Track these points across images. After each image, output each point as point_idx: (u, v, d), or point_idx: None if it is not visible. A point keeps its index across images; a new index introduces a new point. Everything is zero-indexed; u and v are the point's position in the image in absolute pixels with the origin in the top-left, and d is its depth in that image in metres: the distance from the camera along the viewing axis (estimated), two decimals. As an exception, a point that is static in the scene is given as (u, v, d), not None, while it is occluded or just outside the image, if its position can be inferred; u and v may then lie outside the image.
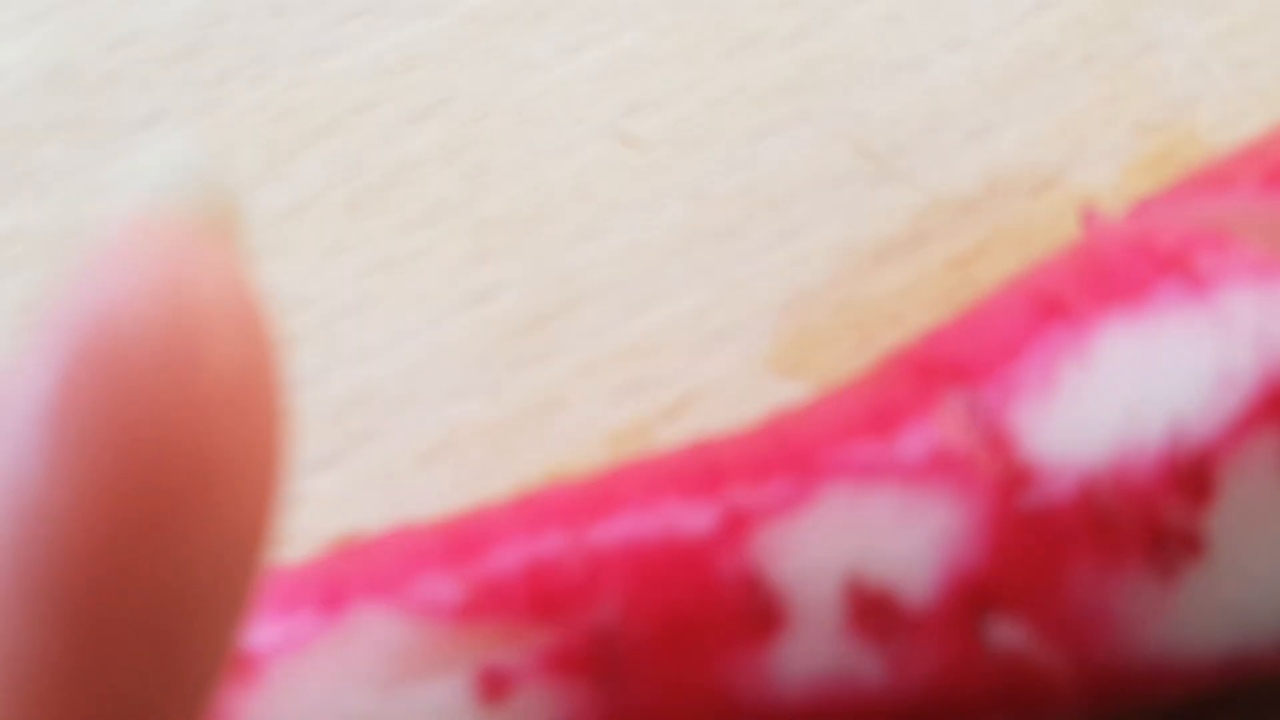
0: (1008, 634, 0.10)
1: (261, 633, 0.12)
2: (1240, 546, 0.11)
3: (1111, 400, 0.11)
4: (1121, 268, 0.11)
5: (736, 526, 0.11)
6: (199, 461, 0.06)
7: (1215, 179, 0.13)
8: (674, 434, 0.14)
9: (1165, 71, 0.16)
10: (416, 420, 0.15)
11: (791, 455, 0.11)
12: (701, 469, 0.12)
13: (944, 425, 0.11)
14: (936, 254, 0.15)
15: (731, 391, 0.15)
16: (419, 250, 0.15)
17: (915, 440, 0.11)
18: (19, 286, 0.15)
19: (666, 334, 0.15)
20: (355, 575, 0.12)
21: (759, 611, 0.11)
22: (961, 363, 0.12)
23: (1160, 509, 0.10)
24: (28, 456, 0.06)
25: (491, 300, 0.15)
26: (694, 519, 0.11)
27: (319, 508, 0.14)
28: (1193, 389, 0.11)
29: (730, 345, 0.15)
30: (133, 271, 0.06)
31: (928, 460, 0.11)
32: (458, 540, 0.12)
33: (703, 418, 0.14)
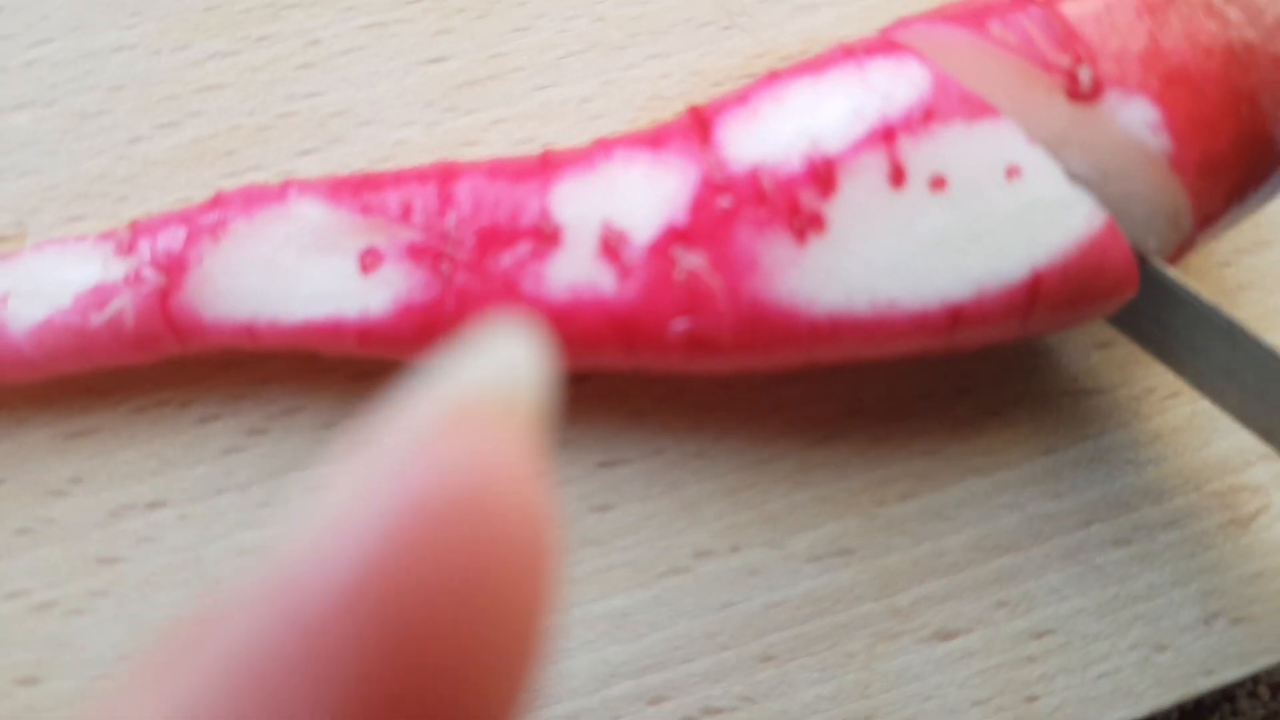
0: (692, 262, 0.17)
1: (230, 203, 0.18)
2: (849, 230, 0.17)
3: (785, 125, 0.17)
4: (825, 57, 0.18)
5: (545, 179, 0.18)
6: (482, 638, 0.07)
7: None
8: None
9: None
10: (374, 135, 0.21)
11: (597, 145, 0.18)
12: (540, 159, 0.18)
13: (685, 133, 0.17)
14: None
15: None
16: (402, 19, 0.22)
17: (667, 141, 0.17)
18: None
19: (559, 109, 0.21)
20: (302, 184, 0.18)
21: (544, 236, 0.17)
22: (716, 102, 0.18)
23: (798, 192, 0.17)
24: (339, 630, 0.06)
25: (443, 63, 0.21)
26: (521, 172, 0.18)
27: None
28: (834, 120, 0.17)
29: (600, 124, 0.21)
30: (454, 457, 0.07)
31: (670, 146, 0.17)
32: (371, 179, 0.19)
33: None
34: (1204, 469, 0.23)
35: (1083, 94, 0.17)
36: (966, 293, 0.17)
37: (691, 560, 0.21)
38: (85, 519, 0.21)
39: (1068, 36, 0.17)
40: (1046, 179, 0.17)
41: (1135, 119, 0.17)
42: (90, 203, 0.21)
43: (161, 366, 0.21)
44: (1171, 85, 0.17)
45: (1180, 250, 0.19)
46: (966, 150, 0.17)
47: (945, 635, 0.22)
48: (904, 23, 0.19)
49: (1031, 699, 0.22)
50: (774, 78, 0.18)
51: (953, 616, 0.22)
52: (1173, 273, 0.19)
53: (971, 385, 0.22)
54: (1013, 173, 0.17)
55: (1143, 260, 0.19)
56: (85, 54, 0.22)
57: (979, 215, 0.17)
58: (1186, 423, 0.23)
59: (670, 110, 0.21)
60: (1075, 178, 0.18)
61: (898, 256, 0.17)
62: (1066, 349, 0.23)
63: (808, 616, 0.21)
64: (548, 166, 0.18)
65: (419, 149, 0.21)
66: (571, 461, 0.21)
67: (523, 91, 0.22)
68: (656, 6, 0.22)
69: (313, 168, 0.21)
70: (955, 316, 0.18)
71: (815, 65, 0.18)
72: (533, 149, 0.21)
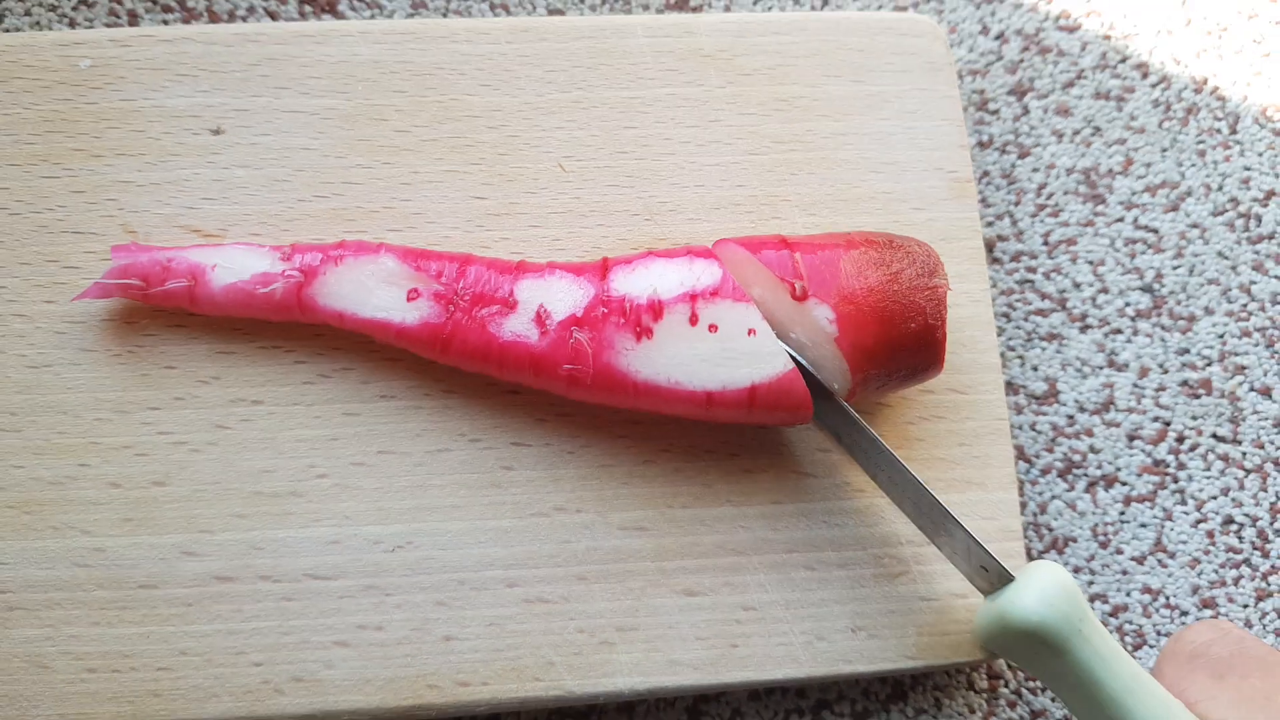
0: (580, 336, 0.32)
1: (348, 247, 0.35)
2: (664, 339, 0.33)
3: (645, 279, 0.34)
4: (676, 250, 0.34)
5: (517, 274, 0.34)
6: None
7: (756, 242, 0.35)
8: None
9: None
10: (434, 230, 0.37)
11: (549, 265, 0.34)
12: (516, 264, 0.34)
13: (595, 270, 0.34)
14: None
15: None
16: (464, 172, 0.38)
17: (584, 272, 0.34)
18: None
19: (538, 239, 0.38)
20: (389, 247, 0.35)
21: (508, 304, 0.33)
22: (616, 259, 0.34)
23: (641, 315, 0.33)
24: None
25: (482, 200, 0.38)
26: (505, 268, 0.34)
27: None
28: (668, 282, 0.33)
29: (560, 253, 0.37)
30: None
31: (584, 274, 0.33)
32: (426, 254, 0.35)
33: None
34: (870, 538, 0.37)
35: (798, 296, 0.33)
36: (716, 387, 0.33)
37: (551, 510, 0.36)
38: (215, 400, 0.36)
39: (795, 267, 0.33)
40: (767, 339, 0.33)
41: (822, 315, 0.33)
42: (266, 228, 0.37)
43: (282, 326, 0.36)
44: (843, 301, 0.33)
45: (852, 394, 0.34)
46: (730, 315, 0.33)
47: (690, 593, 0.36)
48: (724, 241, 0.35)
49: (734, 646, 0.36)
50: (649, 254, 0.34)
51: (696, 583, 0.36)
52: (847, 405, 0.34)
53: (739, 451, 0.37)
54: (750, 331, 0.33)
55: (833, 395, 0.34)
56: (283, 147, 0.38)
57: (729, 349, 0.33)
58: (866, 506, 0.37)
59: (598, 254, 0.37)
60: (790, 341, 0.33)
61: (685, 360, 0.33)
62: (801, 445, 0.38)
63: (611, 560, 0.36)
64: (519, 269, 0.34)
65: (458, 244, 0.37)
66: (494, 438, 0.36)
67: (522, 226, 0.38)
68: (608, 200, 0.38)
69: (395, 239, 0.38)
70: (709, 399, 0.33)
71: (670, 254, 0.34)
72: (517, 256, 0.37)
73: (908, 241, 0.35)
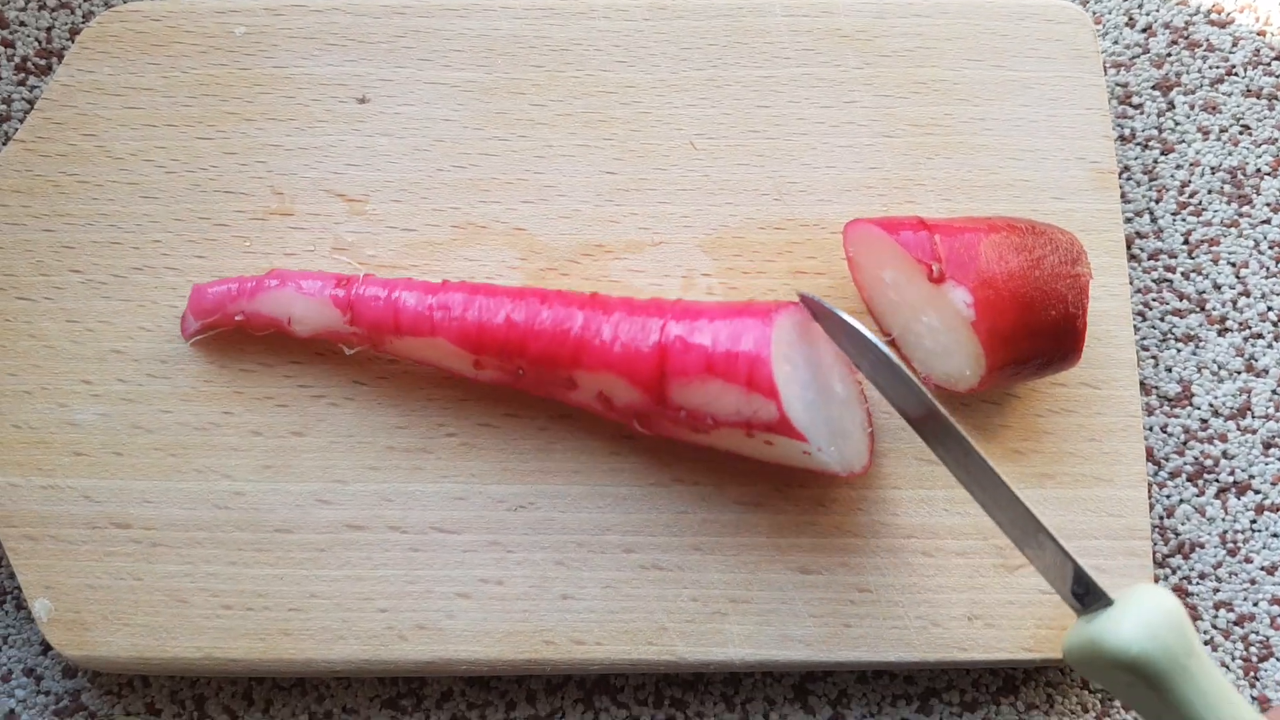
0: (638, 426, 0.33)
1: (392, 324, 0.36)
2: (719, 440, 0.34)
3: (701, 393, 0.34)
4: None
5: (572, 368, 0.35)
6: None
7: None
8: None
9: None
10: (565, 204, 0.39)
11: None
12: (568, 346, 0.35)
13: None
14: None
15: None
16: (595, 146, 0.39)
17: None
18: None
19: (664, 215, 0.39)
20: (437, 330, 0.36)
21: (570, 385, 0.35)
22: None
23: (698, 424, 0.33)
24: None
25: (613, 175, 0.39)
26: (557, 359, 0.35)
27: None
28: (721, 407, 0.34)
29: (689, 231, 0.38)
30: None
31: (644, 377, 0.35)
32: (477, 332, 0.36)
33: None
34: (991, 529, 0.37)
35: (935, 279, 0.33)
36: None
37: (669, 481, 0.37)
38: (355, 356, 0.38)
39: (934, 249, 0.34)
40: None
41: (959, 298, 0.33)
42: (406, 195, 0.39)
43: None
44: (983, 286, 0.33)
45: (984, 381, 0.35)
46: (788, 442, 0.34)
47: (805, 570, 0.37)
48: (858, 221, 0.35)
49: (847, 625, 0.36)
50: (707, 358, 0.34)
51: (811, 562, 0.37)
52: (934, 402, 0.33)
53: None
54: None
55: (923, 393, 0.33)
56: (425, 117, 0.40)
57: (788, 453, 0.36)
58: (989, 498, 0.38)
59: (726, 234, 0.38)
60: (920, 325, 0.34)
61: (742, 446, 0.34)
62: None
63: (727, 533, 0.37)
64: (577, 351, 0.35)
65: (588, 218, 0.39)
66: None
67: (651, 202, 0.39)
68: (738, 179, 0.39)
69: (527, 210, 0.39)
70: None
71: (725, 365, 0.33)
72: (644, 234, 0.38)
73: (1050, 228, 0.36)
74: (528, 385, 0.35)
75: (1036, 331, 0.34)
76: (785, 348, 0.33)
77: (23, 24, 0.44)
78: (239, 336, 0.38)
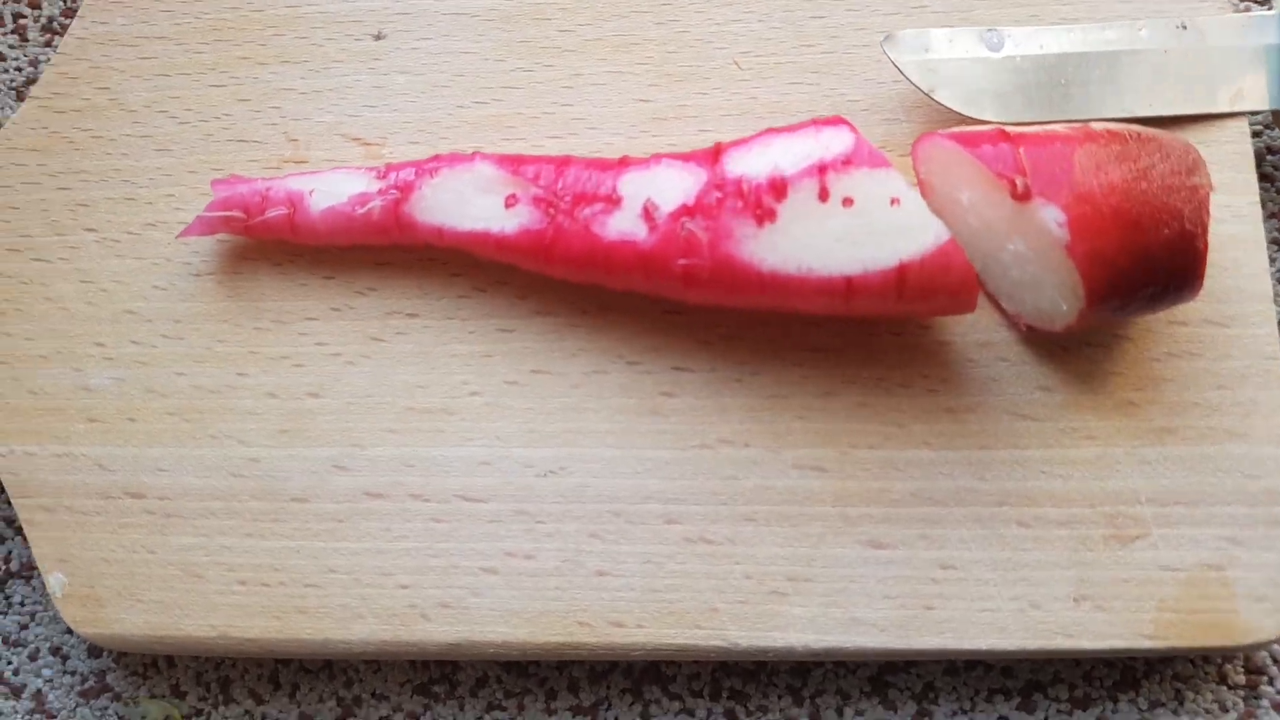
0: (693, 226, 0.30)
1: (442, 159, 0.33)
2: (790, 221, 0.30)
3: (764, 157, 0.31)
4: (800, 125, 0.32)
5: (619, 170, 0.32)
6: None
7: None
8: None
9: None
10: (595, 136, 0.36)
11: (653, 156, 0.33)
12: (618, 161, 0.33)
13: (705, 156, 0.32)
14: None
15: None
16: (629, 73, 0.36)
17: (693, 158, 0.32)
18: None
19: (698, 139, 0.35)
20: (484, 155, 0.33)
21: (612, 200, 0.32)
22: (730, 142, 0.32)
23: (762, 195, 0.30)
24: None
25: (648, 103, 0.36)
26: (607, 165, 0.33)
27: None
28: (792, 157, 0.30)
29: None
30: None
31: (693, 160, 0.31)
32: (523, 159, 0.34)
33: None
34: (1101, 494, 0.33)
35: (1019, 196, 0.29)
36: (857, 270, 0.30)
37: (716, 443, 0.34)
38: (371, 311, 0.36)
39: (1018, 162, 0.29)
40: (916, 207, 0.30)
41: (1050, 218, 0.29)
42: (425, 136, 0.37)
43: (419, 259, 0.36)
44: (1077, 202, 0.28)
45: (1084, 317, 0.30)
46: (868, 184, 0.30)
47: (877, 544, 0.33)
48: (929, 135, 0.31)
49: (929, 608, 0.32)
50: (768, 131, 0.32)
51: (885, 534, 0.33)
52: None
53: (939, 387, 0.34)
54: (894, 201, 0.30)
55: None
56: (444, 51, 0.38)
57: (871, 223, 0.30)
58: (1096, 458, 0.33)
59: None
60: (1005, 254, 0.30)
61: (818, 241, 0.30)
62: (1016, 382, 0.33)
63: (784, 502, 0.33)
64: (622, 164, 0.33)
65: (619, 150, 0.35)
66: (654, 362, 0.34)
67: (691, 131, 0.36)
68: (789, 100, 0.35)
69: (553, 146, 0.36)
70: (849, 285, 0.30)
71: (793, 128, 0.31)
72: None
73: (1161, 135, 0.30)
74: (558, 233, 0.32)
75: (1145, 254, 0.29)
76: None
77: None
78: (253, 291, 0.36)
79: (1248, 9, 0.39)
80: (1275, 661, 0.35)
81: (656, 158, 0.33)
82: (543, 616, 0.33)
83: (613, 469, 0.34)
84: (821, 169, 0.30)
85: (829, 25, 0.36)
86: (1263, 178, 0.38)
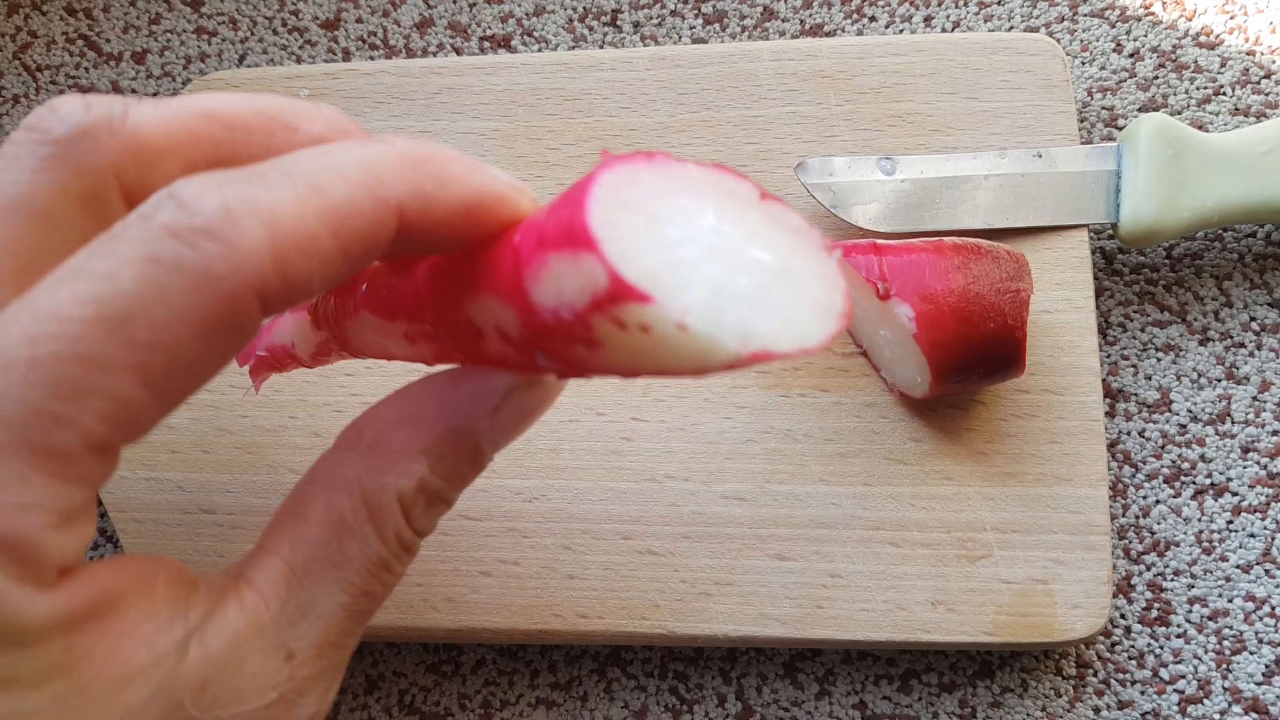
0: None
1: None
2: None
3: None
4: None
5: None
6: None
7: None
8: None
9: None
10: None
11: None
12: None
13: None
14: None
15: None
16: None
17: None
18: (487, 142, 0.49)
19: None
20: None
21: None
22: None
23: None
24: None
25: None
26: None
27: None
28: None
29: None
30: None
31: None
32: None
33: None
34: (956, 522, 0.44)
35: (881, 296, 0.40)
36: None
37: (663, 477, 0.45)
38: (408, 367, 0.47)
39: (881, 270, 0.40)
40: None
41: (903, 314, 0.40)
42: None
43: (448, 313, 0.47)
44: (923, 302, 0.40)
45: (933, 389, 0.41)
46: None
47: (781, 557, 0.44)
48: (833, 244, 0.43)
49: (820, 607, 0.43)
50: None
51: (788, 550, 0.44)
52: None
53: (835, 437, 0.45)
54: None
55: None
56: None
57: None
58: (952, 495, 0.44)
59: (718, 257, 0.46)
60: (879, 337, 0.41)
61: None
62: (892, 436, 0.44)
63: (712, 524, 0.44)
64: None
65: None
66: (616, 413, 0.46)
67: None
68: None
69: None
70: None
71: None
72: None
73: (997, 248, 0.42)
74: (449, 348, 0.32)
75: (975, 342, 0.40)
76: (631, 193, 0.24)
77: (133, 90, 0.55)
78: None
79: (1089, 142, 0.50)
80: (1099, 659, 0.46)
81: (480, 278, 0.28)
82: (526, 609, 0.44)
83: (582, 497, 0.45)
84: (597, 304, 0.24)
85: (760, 149, 0.48)
86: (1113, 273, 0.49)
